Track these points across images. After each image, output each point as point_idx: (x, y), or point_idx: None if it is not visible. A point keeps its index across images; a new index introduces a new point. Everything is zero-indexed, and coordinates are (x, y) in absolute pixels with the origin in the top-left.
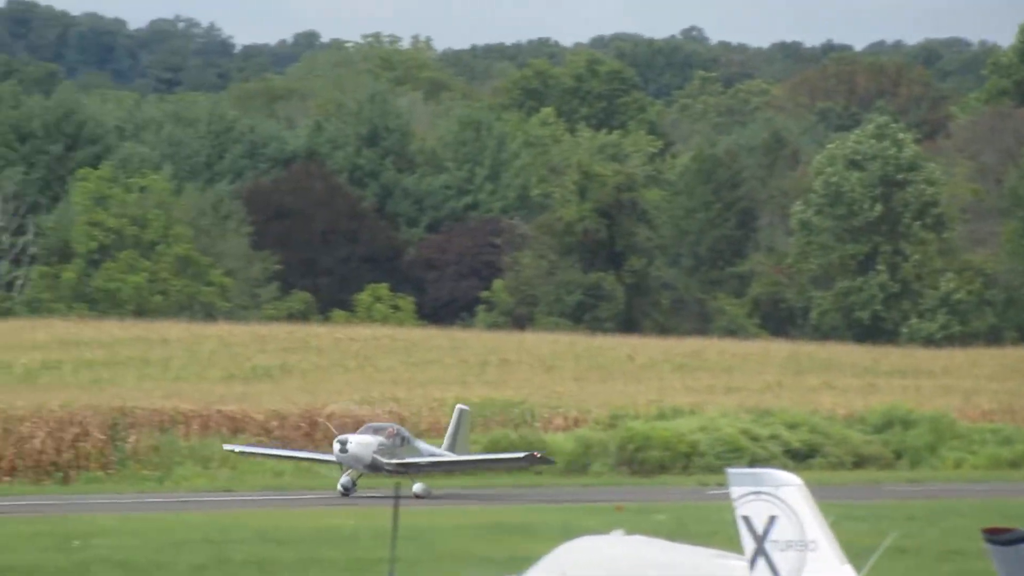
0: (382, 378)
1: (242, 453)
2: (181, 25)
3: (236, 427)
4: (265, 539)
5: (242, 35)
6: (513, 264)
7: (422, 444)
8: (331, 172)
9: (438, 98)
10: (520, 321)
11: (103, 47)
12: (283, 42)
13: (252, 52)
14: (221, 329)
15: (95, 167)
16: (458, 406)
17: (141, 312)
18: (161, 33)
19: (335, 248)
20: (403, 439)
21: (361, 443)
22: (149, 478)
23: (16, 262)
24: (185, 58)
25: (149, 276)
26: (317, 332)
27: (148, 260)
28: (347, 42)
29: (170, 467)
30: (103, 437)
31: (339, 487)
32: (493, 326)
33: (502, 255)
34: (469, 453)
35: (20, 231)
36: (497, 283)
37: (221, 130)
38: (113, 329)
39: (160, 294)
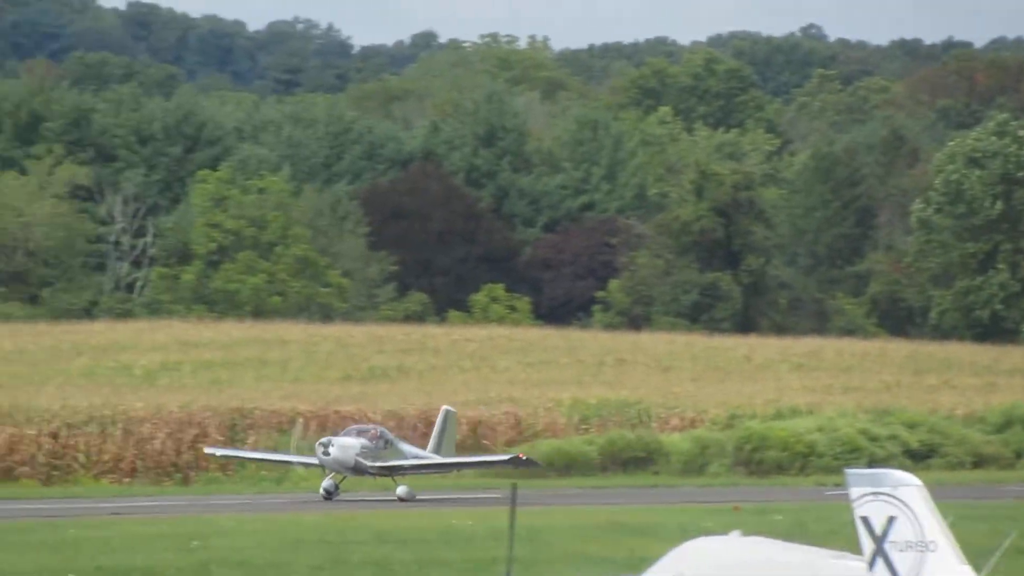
0: (498, 379)
1: (223, 456)
2: (300, 27)
3: None
4: (383, 540)
5: (360, 36)
6: (629, 264)
7: (406, 446)
8: (448, 173)
9: (555, 98)
10: (636, 321)
11: (223, 49)
12: (401, 43)
13: (370, 53)
14: (338, 330)
15: (214, 169)
16: (443, 407)
17: (259, 313)
18: (280, 35)
19: (451, 249)
20: (386, 441)
21: (343, 446)
22: (267, 479)
23: (136, 264)
24: (304, 59)
25: (267, 277)
26: (434, 333)
27: (266, 261)
28: (464, 42)
29: (288, 468)
30: (222, 438)
31: (321, 491)
32: (609, 326)
33: (618, 255)
34: (454, 455)
35: (140, 233)
36: (613, 283)
37: (339, 131)
38: (232, 330)
39: (278, 295)
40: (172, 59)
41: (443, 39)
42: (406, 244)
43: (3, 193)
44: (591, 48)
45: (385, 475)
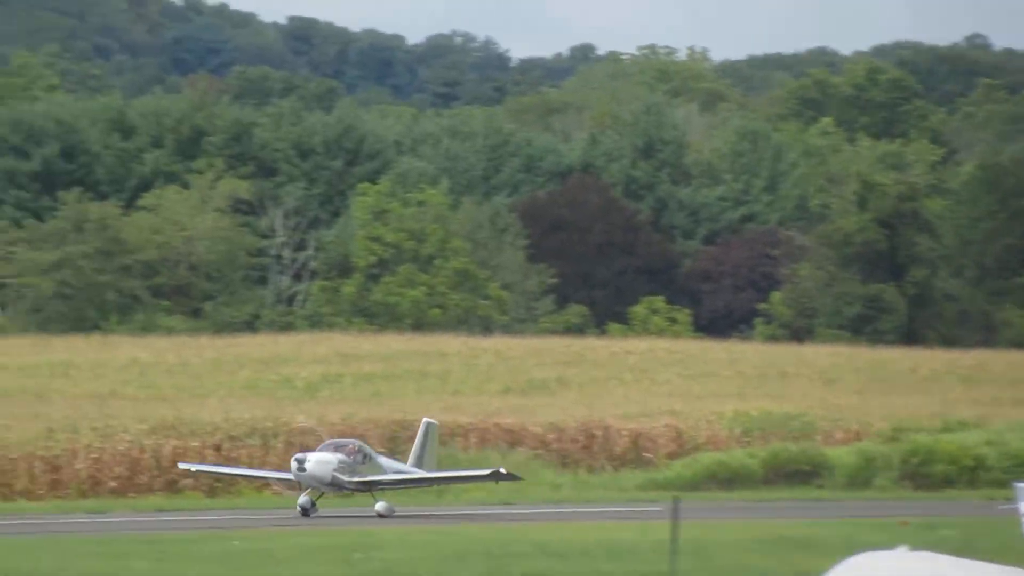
0: (659, 391)
1: (198, 471)
2: (458, 40)
3: (514, 440)
4: (545, 552)
5: (519, 49)
6: (791, 276)
7: (385, 460)
8: (607, 185)
9: (714, 109)
10: (799, 334)
11: (382, 63)
12: (559, 55)
13: (528, 66)
14: (498, 342)
15: (374, 182)
16: (424, 419)
17: (419, 325)
18: (439, 48)
19: (611, 261)
20: (365, 456)
21: (320, 461)
22: (428, 491)
23: (297, 277)
24: (462, 72)
25: (427, 290)
26: (593, 345)
27: (426, 274)
28: (623, 54)
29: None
30: (383, 450)
31: (297, 507)
32: (771, 339)
33: (780, 267)
34: (435, 469)
35: (301, 246)
36: (775, 295)
37: (497, 143)
38: (392, 342)
39: (438, 308)
40: (332, 73)
41: (601, 51)
42: (565, 256)
43: (166, 207)
44: (751, 59)
45: (364, 490)
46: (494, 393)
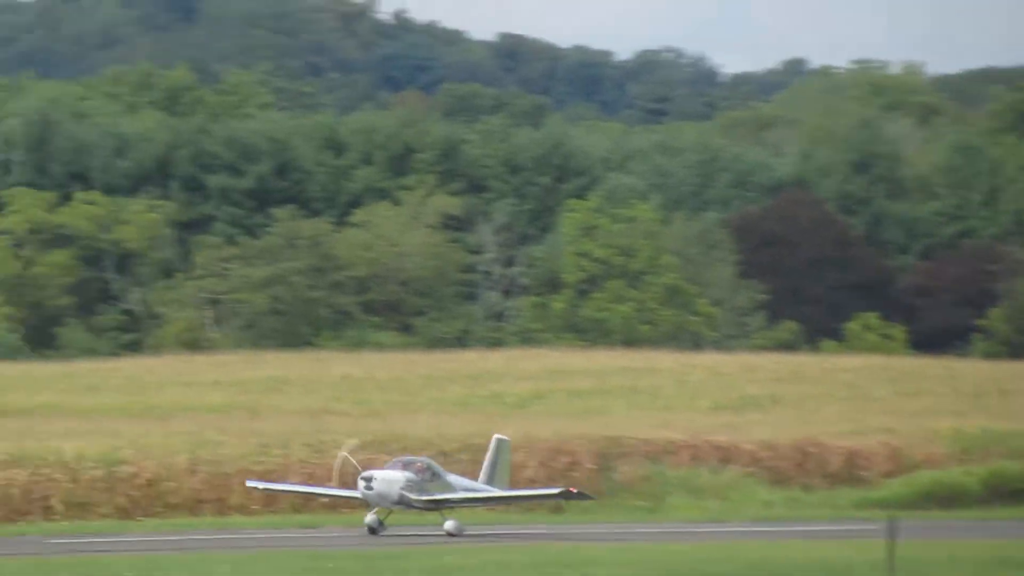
0: (874, 408)
1: (265, 490)
2: (668, 55)
3: (726, 457)
4: (755, 570)
5: (729, 64)
6: (1010, 291)
7: (454, 478)
8: (820, 199)
9: (930, 123)
10: (1019, 350)
11: (590, 79)
12: (770, 70)
13: (740, 81)
14: (709, 359)
15: (583, 198)
16: (495, 436)
17: (629, 341)
18: (648, 64)
19: (823, 276)
20: (433, 474)
21: (387, 480)
22: (639, 508)
23: (506, 293)
24: (672, 88)
25: (637, 306)
26: (806, 362)
27: (635, 290)
28: (835, 68)
29: (660, 497)
30: (593, 466)
31: (365, 526)
32: (990, 355)
33: (999, 282)
34: (507, 486)
35: (510, 262)
36: (994, 311)
37: (708, 159)
38: (602, 358)
39: (648, 323)
40: (540, 90)
41: (814, 65)
42: (776, 272)
43: (377, 224)
44: (966, 72)
45: (432, 509)
46: (705, 410)
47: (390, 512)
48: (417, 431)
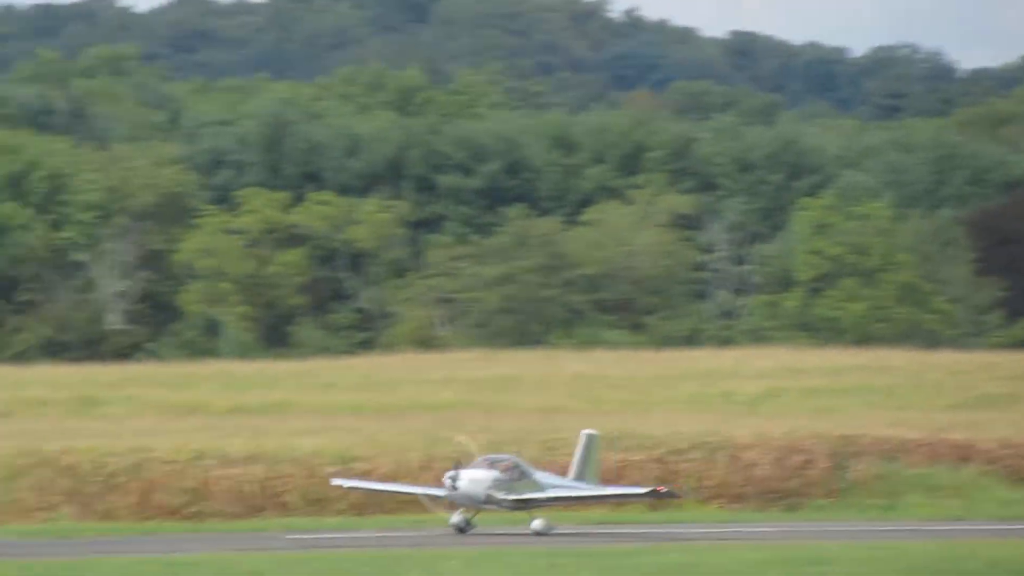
0: None
1: (351, 488)
2: (903, 51)
3: (963, 456)
4: (996, 568)
5: (967, 59)
6: None
7: (542, 476)
8: None
9: None
10: None
11: (824, 76)
12: (1009, 65)
13: (978, 76)
14: (946, 357)
15: (815, 196)
16: (584, 431)
17: (862, 340)
18: (883, 60)
19: None
20: (521, 472)
21: (474, 479)
22: (874, 506)
23: (737, 291)
24: (908, 84)
25: (871, 304)
26: None
27: (869, 288)
28: None
29: (896, 495)
30: (827, 465)
31: (451, 527)
32: None
33: None
34: (598, 483)
35: (741, 260)
36: None
37: (944, 156)
38: (835, 357)
39: (882, 322)
40: (773, 87)
41: None
42: (1014, 270)
43: (607, 222)
44: None
45: (520, 509)
46: (942, 408)
47: (477, 511)
48: (649, 429)
